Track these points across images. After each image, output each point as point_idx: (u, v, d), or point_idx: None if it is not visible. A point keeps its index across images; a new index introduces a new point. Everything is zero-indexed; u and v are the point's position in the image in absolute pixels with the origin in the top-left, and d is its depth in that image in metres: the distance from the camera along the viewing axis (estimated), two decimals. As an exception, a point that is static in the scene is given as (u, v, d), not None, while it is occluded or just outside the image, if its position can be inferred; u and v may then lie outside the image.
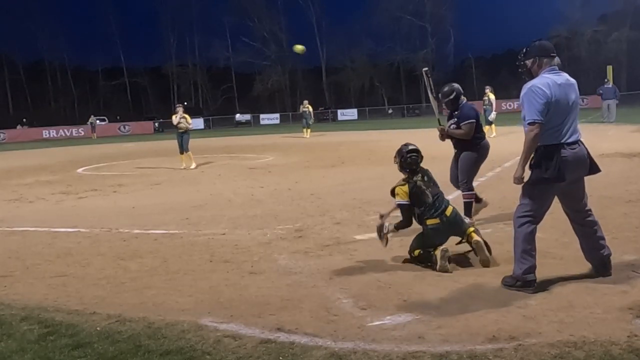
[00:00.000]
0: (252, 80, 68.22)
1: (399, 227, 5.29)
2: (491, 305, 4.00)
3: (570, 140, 4.20)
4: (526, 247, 4.28)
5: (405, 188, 5.20)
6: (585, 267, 4.56)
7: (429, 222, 5.07)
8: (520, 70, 4.40)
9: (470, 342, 3.38)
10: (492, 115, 20.00)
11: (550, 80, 4.19)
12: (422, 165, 5.41)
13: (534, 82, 4.22)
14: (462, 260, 5.10)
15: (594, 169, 4.37)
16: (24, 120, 56.40)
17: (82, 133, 50.56)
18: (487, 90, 20.50)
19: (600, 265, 4.47)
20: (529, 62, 4.36)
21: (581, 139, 4.31)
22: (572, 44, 59.29)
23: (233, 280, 4.96)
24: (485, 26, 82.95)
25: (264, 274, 5.08)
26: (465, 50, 69.55)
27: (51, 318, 4.13)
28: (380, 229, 5.34)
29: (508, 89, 44.06)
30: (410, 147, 5.32)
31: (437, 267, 4.85)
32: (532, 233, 4.29)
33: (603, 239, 4.50)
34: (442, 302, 4.13)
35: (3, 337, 3.82)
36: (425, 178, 5.24)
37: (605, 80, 27.05)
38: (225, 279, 4.98)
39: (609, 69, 31.17)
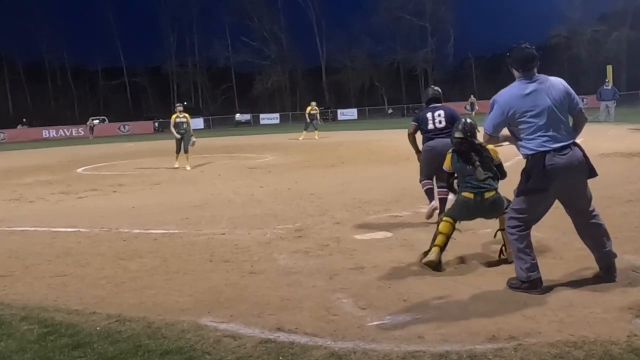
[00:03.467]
0: (252, 80, 68.21)
1: (450, 187, 5.52)
2: (491, 305, 3.99)
3: (555, 146, 4.07)
4: (520, 246, 4.25)
5: (448, 157, 5.29)
6: (585, 266, 4.56)
7: (463, 193, 5.03)
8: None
9: (470, 342, 3.38)
10: None
11: (515, 91, 4.22)
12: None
13: (500, 92, 4.33)
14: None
15: (591, 172, 4.25)
16: (24, 120, 56.38)
17: (82, 133, 50.55)
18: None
19: (605, 269, 4.38)
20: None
21: (574, 142, 4.19)
22: (572, 43, 59.28)
23: (233, 280, 4.96)
24: (485, 26, 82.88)
25: (264, 274, 5.07)
26: (465, 49, 69.58)
27: (51, 318, 4.12)
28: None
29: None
30: (457, 135, 5.23)
31: (421, 261, 4.94)
32: (525, 235, 4.27)
33: (608, 240, 4.38)
34: (442, 302, 4.12)
35: (3, 337, 3.82)
36: (481, 156, 5.07)
37: (606, 81, 27.05)
38: (225, 279, 4.98)
39: (609, 68, 31.18)
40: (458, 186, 5.20)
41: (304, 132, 26.96)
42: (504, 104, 4.23)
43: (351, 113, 59.80)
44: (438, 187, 6.84)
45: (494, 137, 4.38)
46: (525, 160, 4.25)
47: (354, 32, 67.16)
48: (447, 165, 5.32)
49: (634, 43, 52.39)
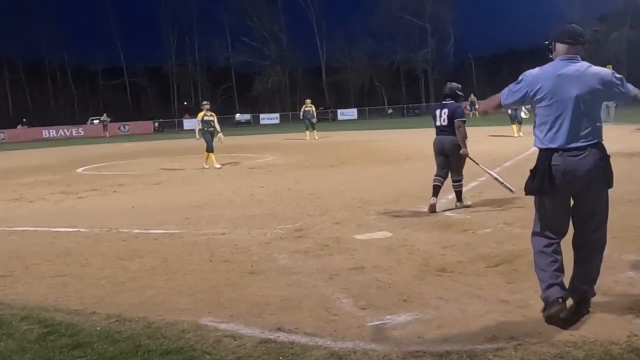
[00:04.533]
0: (252, 80, 68.25)
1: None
2: (491, 305, 3.99)
3: (570, 145, 3.54)
4: (539, 263, 3.72)
5: None
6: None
7: None
8: (548, 54, 3.83)
9: (470, 342, 3.38)
10: (524, 114, 19.31)
11: (549, 69, 3.68)
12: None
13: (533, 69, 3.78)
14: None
15: (608, 182, 3.66)
16: (24, 120, 56.39)
17: (82, 133, 50.58)
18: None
19: (579, 300, 3.72)
20: (551, 46, 3.80)
21: (597, 144, 3.59)
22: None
23: (233, 280, 4.95)
24: (485, 26, 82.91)
25: (264, 274, 5.07)
26: (465, 49, 69.58)
27: (51, 318, 4.12)
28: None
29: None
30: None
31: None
32: (544, 249, 3.71)
33: (596, 274, 3.75)
34: (442, 302, 4.12)
35: (3, 337, 3.81)
36: None
37: None
38: (225, 279, 4.98)
39: (609, 68, 31.12)
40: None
41: (307, 132, 26.59)
42: (531, 78, 3.68)
43: (351, 113, 59.84)
44: (454, 181, 7.69)
45: (504, 108, 3.97)
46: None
47: (354, 32, 67.38)
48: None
49: (633, 43, 52.36)
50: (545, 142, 3.62)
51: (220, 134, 15.50)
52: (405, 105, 60.78)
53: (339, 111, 59.85)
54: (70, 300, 4.59)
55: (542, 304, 3.66)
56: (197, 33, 69.85)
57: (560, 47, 3.70)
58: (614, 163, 3.68)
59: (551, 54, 3.76)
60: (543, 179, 3.58)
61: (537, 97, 3.65)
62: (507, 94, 3.82)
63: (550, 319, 3.55)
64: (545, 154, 3.61)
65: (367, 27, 65.50)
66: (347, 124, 46.29)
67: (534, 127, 3.77)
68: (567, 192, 3.63)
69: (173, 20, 69.59)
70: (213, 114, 15.70)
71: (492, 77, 55.70)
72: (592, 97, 3.61)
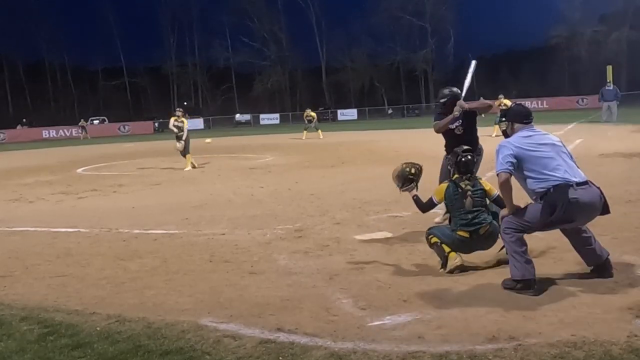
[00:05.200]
0: (252, 80, 68.28)
1: (417, 202, 5.16)
2: (491, 305, 3.99)
3: (575, 180, 4.19)
4: (516, 247, 4.29)
5: (443, 187, 5.03)
6: (586, 267, 4.55)
7: (459, 232, 4.85)
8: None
9: (470, 342, 3.38)
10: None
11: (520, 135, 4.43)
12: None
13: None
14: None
15: (605, 209, 4.31)
16: (24, 120, 56.40)
17: (80, 133, 50.55)
18: (501, 98, 21.14)
19: (600, 267, 4.45)
20: (504, 125, 4.64)
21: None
22: (572, 43, 59.24)
23: (233, 280, 4.95)
24: (485, 26, 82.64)
25: (264, 274, 5.07)
26: (465, 50, 69.41)
27: (51, 318, 4.13)
28: (405, 182, 5.25)
29: (508, 89, 44.04)
30: (465, 147, 5.11)
31: (446, 269, 4.81)
32: (521, 236, 4.33)
33: (595, 241, 4.46)
34: (442, 302, 4.12)
35: (3, 337, 3.82)
36: (473, 187, 4.92)
37: (608, 82, 27.07)
38: (225, 279, 4.98)
39: (609, 69, 31.13)
40: (451, 220, 5.05)
41: (305, 132, 27.83)
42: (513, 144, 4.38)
43: (351, 113, 59.84)
44: None
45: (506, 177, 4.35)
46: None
47: (354, 32, 67.33)
48: (439, 197, 5.03)
49: (634, 43, 52.34)
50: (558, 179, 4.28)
51: (182, 141, 15.55)
52: (405, 106, 60.76)
53: (339, 111, 59.87)
54: (70, 300, 4.59)
55: (514, 283, 4.23)
56: (197, 33, 70.12)
57: (517, 126, 4.51)
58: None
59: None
60: (564, 210, 4.13)
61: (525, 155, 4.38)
62: (502, 163, 4.35)
63: (525, 291, 4.16)
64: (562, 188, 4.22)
65: (367, 27, 65.61)
66: (347, 124, 46.29)
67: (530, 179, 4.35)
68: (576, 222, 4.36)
69: (173, 21, 69.76)
70: (184, 120, 15.84)
71: (492, 77, 55.62)
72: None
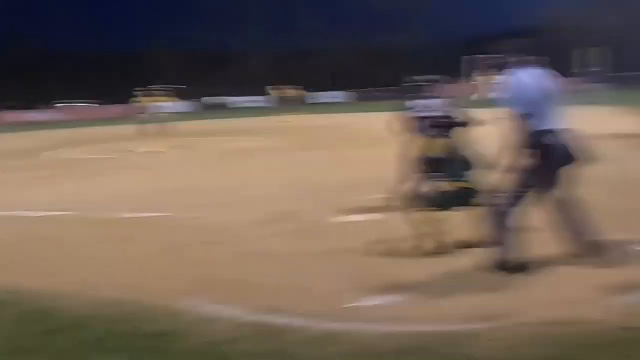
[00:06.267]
0: (229, 62, 67.42)
1: None
2: (478, 286, 3.97)
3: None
4: (507, 226, 4.26)
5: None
6: (574, 246, 4.51)
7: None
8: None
9: (455, 323, 3.35)
10: None
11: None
12: None
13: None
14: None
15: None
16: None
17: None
18: None
19: (590, 247, 4.38)
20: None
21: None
22: (559, 27, 59.22)
23: (214, 262, 4.88)
24: (472, 7, 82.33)
25: (246, 256, 5.00)
26: (452, 32, 69.36)
27: (26, 302, 4.01)
28: None
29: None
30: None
31: (431, 250, 4.81)
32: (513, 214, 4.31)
33: (585, 220, 4.40)
34: (427, 284, 4.09)
35: (-24, 322, 3.69)
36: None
37: (594, 65, 27.12)
38: (206, 261, 4.90)
39: (595, 52, 31.23)
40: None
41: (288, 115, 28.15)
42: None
43: (336, 96, 59.48)
44: None
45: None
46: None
47: (336, 15, 66.82)
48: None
49: (622, 26, 52.43)
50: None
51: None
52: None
53: (320, 94, 59.41)
54: (44, 285, 4.45)
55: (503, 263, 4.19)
56: (177, 15, 68.91)
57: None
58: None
59: None
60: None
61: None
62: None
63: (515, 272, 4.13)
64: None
65: (349, 10, 65.24)
66: (332, 107, 46.07)
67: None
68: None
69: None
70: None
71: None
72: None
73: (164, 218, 6.80)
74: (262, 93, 58.15)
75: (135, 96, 15.72)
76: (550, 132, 4.19)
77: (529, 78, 4.29)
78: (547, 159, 4.16)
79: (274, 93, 28.64)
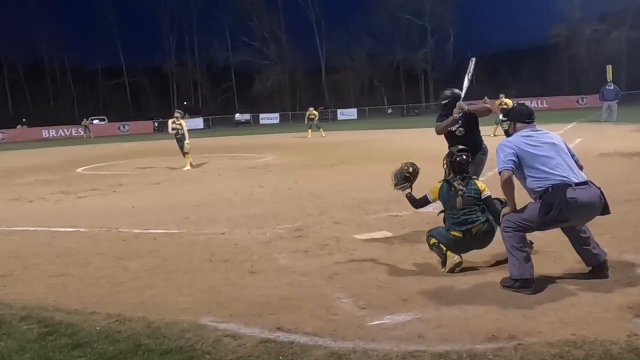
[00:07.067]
0: (251, 80, 68.16)
1: (409, 199, 5.35)
2: (491, 304, 4.00)
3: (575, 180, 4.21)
4: (515, 244, 4.32)
5: (438, 186, 5.07)
6: (585, 266, 4.55)
7: (452, 232, 4.87)
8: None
9: (470, 342, 3.38)
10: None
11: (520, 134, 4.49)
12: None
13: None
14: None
15: (605, 209, 4.33)
16: (24, 120, 56.28)
17: (82, 133, 50.57)
18: (502, 97, 21.09)
19: (597, 268, 4.47)
20: (507, 125, 4.85)
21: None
22: (571, 43, 59.15)
23: (233, 279, 4.96)
24: (485, 25, 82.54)
25: (264, 274, 5.07)
26: (465, 49, 69.37)
27: (51, 317, 4.13)
28: (399, 181, 5.39)
29: (507, 88, 43.99)
30: (461, 147, 5.12)
31: (445, 269, 4.83)
32: (521, 234, 4.36)
33: (593, 241, 4.48)
34: (442, 302, 4.12)
35: (3, 337, 3.82)
36: (466, 187, 4.92)
37: (608, 82, 27.07)
38: (224, 279, 4.98)
39: (609, 68, 31.10)
40: (445, 220, 5.06)
41: (309, 131, 28.74)
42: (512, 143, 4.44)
43: (351, 113, 59.71)
44: None
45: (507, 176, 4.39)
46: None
47: (354, 31, 67.14)
48: (433, 196, 5.10)
49: (633, 43, 52.25)
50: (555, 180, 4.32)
51: (186, 141, 15.59)
52: (405, 105, 60.67)
53: (338, 111, 59.74)
54: (69, 299, 4.59)
55: (512, 281, 4.27)
56: (197, 32, 70.07)
57: (519, 125, 4.57)
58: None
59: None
60: (560, 209, 4.18)
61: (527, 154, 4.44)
62: (503, 161, 4.41)
63: (523, 290, 4.19)
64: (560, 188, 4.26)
65: (366, 26, 65.51)
66: (347, 124, 46.24)
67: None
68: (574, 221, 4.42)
69: (173, 20, 69.71)
70: (182, 122, 15.93)
71: (492, 76, 55.57)
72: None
73: (186, 234, 6.91)
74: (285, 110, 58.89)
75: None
76: (563, 185, 4.18)
77: (532, 140, 4.39)
78: (558, 213, 4.15)
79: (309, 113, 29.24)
